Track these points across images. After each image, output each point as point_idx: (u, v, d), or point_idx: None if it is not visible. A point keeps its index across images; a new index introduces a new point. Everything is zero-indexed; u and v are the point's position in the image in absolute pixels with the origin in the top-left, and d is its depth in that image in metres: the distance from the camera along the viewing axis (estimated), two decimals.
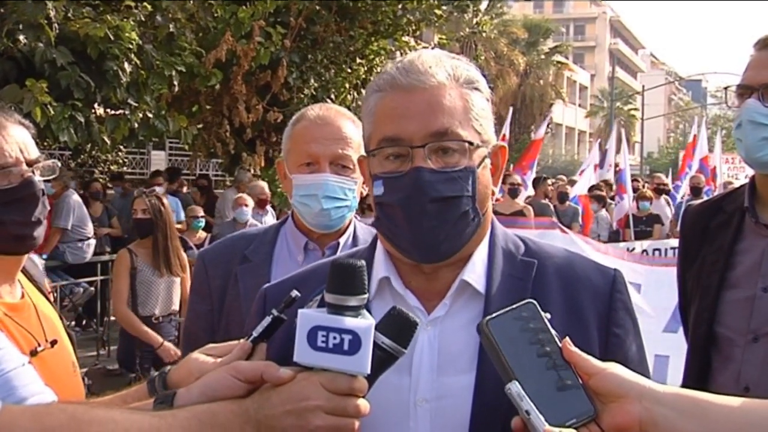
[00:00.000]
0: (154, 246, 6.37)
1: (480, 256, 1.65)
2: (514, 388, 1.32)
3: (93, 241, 10.67)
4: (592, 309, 1.63)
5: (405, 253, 1.61)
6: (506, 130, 16.52)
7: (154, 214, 6.35)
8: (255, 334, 1.56)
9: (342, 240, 2.59)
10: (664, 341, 5.03)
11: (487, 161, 1.63)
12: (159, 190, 11.12)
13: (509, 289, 1.61)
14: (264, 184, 10.36)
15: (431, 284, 1.64)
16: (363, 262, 1.39)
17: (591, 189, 15.78)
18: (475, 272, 1.63)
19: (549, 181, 16.64)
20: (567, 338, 1.39)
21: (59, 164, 2.20)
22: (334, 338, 1.33)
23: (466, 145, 1.56)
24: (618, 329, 1.64)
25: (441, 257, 1.59)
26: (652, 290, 5.48)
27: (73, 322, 10.88)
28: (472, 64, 1.68)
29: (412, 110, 1.55)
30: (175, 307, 6.54)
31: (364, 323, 1.35)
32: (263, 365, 1.43)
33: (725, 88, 2.71)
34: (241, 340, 1.57)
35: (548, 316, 1.41)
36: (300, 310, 1.38)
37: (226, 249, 2.68)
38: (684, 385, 2.63)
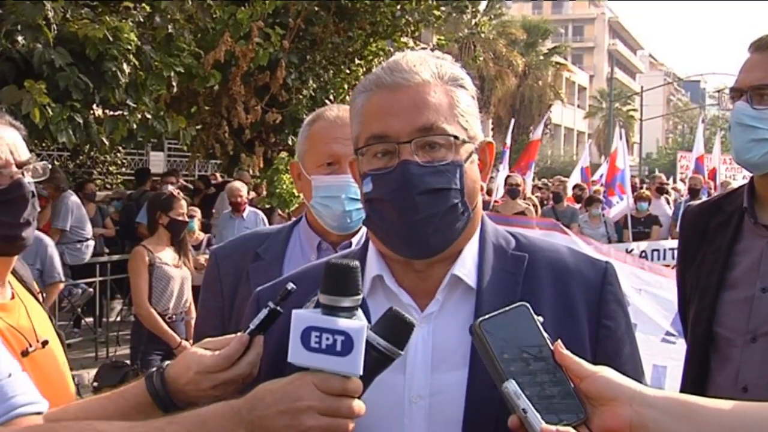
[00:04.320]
0: (182, 243, 6.63)
1: (470, 251, 1.67)
2: (511, 386, 1.33)
3: (92, 242, 10.66)
4: (582, 301, 1.64)
5: (395, 249, 1.62)
6: (508, 138, 16.61)
7: (184, 215, 6.62)
8: (252, 326, 1.59)
9: (354, 240, 2.58)
10: (662, 351, 5.05)
11: (475, 157, 1.65)
12: (171, 188, 11.18)
13: (501, 284, 1.63)
14: (240, 186, 10.01)
15: (424, 282, 1.65)
16: (357, 263, 1.39)
17: (573, 188, 16.04)
18: (465, 267, 1.64)
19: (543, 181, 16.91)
20: (559, 341, 1.39)
21: (50, 166, 2.19)
22: (327, 339, 1.34)
23: (452, 139, 1.58)
24: (609, 321, 1.64)
25: (431, 252, 1.60)
26: (651, 297, 5.49)
27: (72, 323, 10.88)
28: (459, 64, 1.71)
29: (398, 107, 1.58)
30: (187, 304, 6.64)
31: (357, 324, 1.35)
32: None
33: (719, 91, 2.73)
34: (239, 333, 1.59)
35: (541, 319, 1.41)
36: (294, 311, 1.39)
37: (238, 247, 2.69)
38: (683, 385, 2.64)
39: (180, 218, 6.53)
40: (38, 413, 1.68)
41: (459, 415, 1.54)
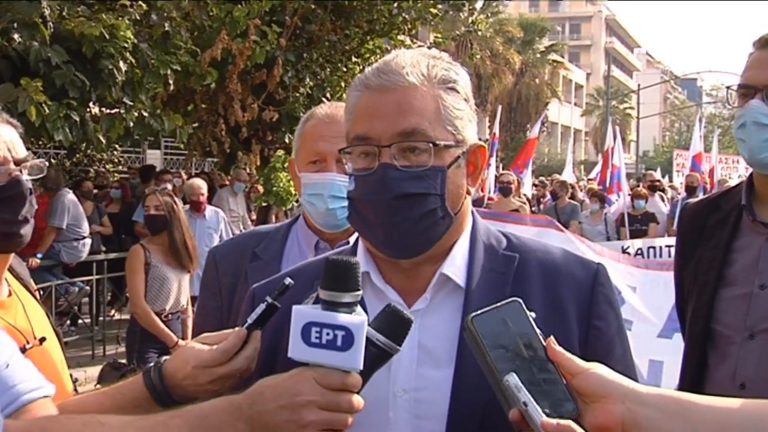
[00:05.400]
0: (171, 242, 6.46)
1: (460, 250, 1.67)
2: (512, 380, 1.33)
3: (88, 241, 10.65)
4: (573, 302, 1.64)
5: (376, 248, 1.64)
6: (496, 128, 16.64)
7: (167, 212, 6.43)
8: (250, 321, 1.61)
9: (352, 239, 2.57)
10: (658, 346, 5.04)
11: (462, 160, 1.64)
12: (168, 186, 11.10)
13: (490, 283, 1.64)
14: (200, 183, 9.42)
15: (411, 281, 1.66)
16: (357, 259, 1.40)
17: None
18: (454, 266, 1.65)
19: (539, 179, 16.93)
20: (551, 337, 1.39)
21: (47, 164, 2.20)
22: (328, 334, 1.34)
23: (432, 145, 1.58)
24: (599, 322, 1.65)
25: (409, 254, 1.61)
26: (647, 294, 5.49)
27: (68, 322, 10.88)
28: (457, 63, 1.70)
29: (382, 110, 1.58)
30: (184, 304, 6.63)
31: (357, 319, 1.35)
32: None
33: (728, 87, 2.70)
34: (237, 328, 1.61)
35: (533, 315, 1.41)
36: (294, 307, 1.39)
37: (236, 246, 2.69)
38: (681, 382, 2.65)
39: (152, 213, 6.45)
40: (45, 397, 1.68)
41: (443, 411, 1.55)
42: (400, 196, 1.56)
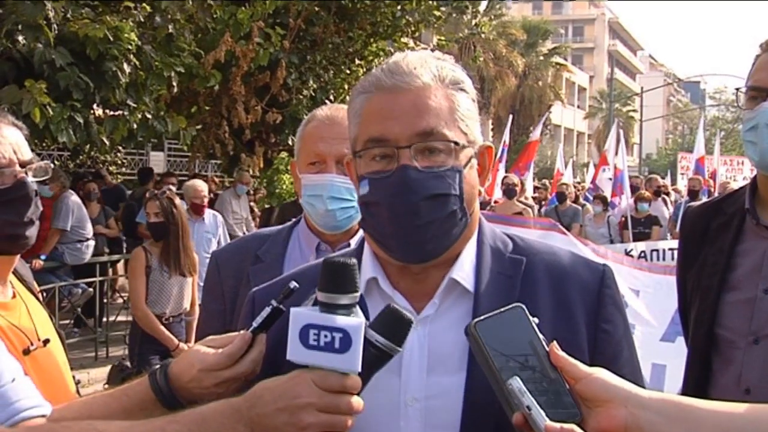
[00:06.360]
0: (164, 247, 6.42)
1: (468, 254, 1.66)
2: (516, 384, 1.33)
3: (92, 242, 10.67)
4: (580, 304, 1.63)
5: (391, 253, 1.61)
6: (506, 136, 16.64)
7: (166, 217, 6.36)
8: (255, 324, 1.60)
9: (353, 242, 2.57)
10: (661, 350, 5.04)
11: (474, 161, 1.64)
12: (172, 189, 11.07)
13: (498, 287, 1.62)
14: (201, 185, 9.11)
15: (420, 285, 1.64)
16: (354, 261, 1.40)
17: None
18: (463, 270, 1.63)
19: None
20: (554, 342, 1.39)
21: (52, 165, 2.21)
22: (326, 336, 1.34)
23: (452, 145, 1.57)
24: (606, 324, 1.64)
25: (427, 257, 1.59)
26: (650, 297, 5.48)
27: (72, 323, 10.88)
28: (459, 65, 1.69)
29: (398, 111, 1.56)
30: (186, 307, 6.61)
31: (355, 321, 1.35)
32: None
33: (737, 89, 2.68)
34: (242, 331, 1.60)
35: (536, 320, 1.41)
36: (292, 309, 1.39)
37: (238, 249, 2.69)
38: (685, 387, 2.64)
39: (153, 220, 6.40)
40: (42, 416, 1.69)
41: (456, 419, 1.54)
42: (424, 197, 1.53)
